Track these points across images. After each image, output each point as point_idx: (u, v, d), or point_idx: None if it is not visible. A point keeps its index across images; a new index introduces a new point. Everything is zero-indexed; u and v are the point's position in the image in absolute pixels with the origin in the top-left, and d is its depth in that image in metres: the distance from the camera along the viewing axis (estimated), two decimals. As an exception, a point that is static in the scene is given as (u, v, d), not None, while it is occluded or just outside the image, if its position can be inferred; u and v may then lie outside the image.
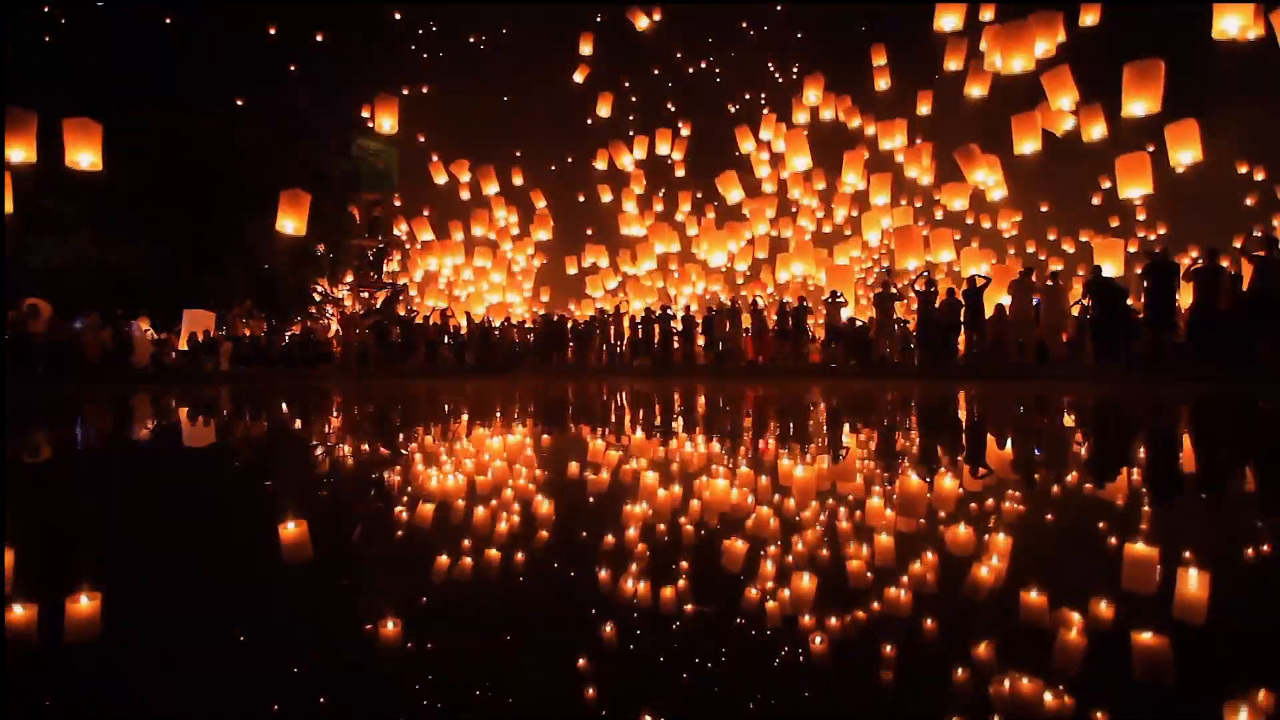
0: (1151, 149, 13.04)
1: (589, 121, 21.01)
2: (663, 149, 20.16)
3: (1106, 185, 22.05)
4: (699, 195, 22.03)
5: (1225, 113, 21.42)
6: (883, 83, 17.04)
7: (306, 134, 24.07)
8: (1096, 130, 13.01)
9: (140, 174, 19.80)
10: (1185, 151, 11.88)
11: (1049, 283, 13.21)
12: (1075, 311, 13.71)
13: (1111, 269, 14.09)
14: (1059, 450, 3.88)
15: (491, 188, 20.74)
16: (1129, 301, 12.29)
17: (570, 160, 24.35)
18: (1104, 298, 11.65)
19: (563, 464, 3.34)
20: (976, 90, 14.35)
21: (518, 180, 22.08)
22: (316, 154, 24.59)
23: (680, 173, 21.79)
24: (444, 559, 1.69)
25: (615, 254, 23.92)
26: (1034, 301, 12.82)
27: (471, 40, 26.02)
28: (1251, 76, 18.76)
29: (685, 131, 20.94)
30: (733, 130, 19.68)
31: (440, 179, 21.73)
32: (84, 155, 11.53)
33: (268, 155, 22.41)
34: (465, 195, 22.25)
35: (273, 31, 22.30)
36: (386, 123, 16.04)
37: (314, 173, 24.56)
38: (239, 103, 22.17)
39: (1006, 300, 13.29)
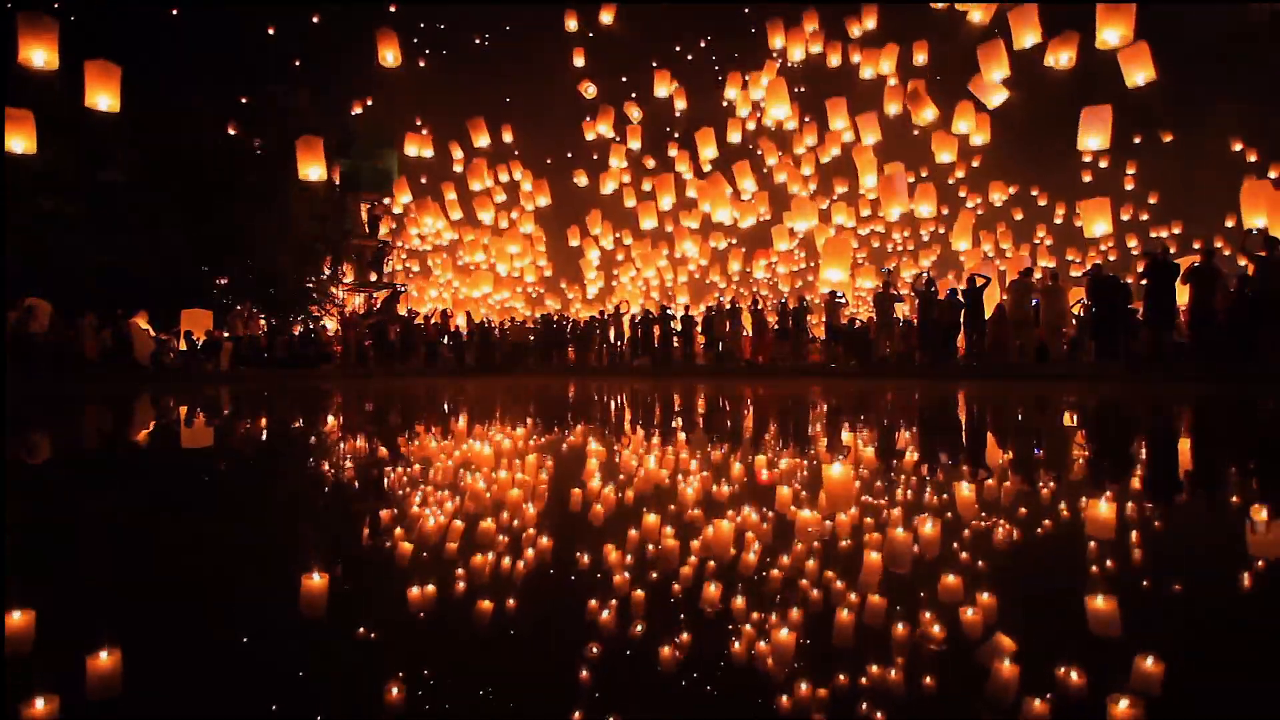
0: (1138, 140, 12.89)
1: (587, 122, 20.91)
2: (662, 91, 19.40)
3: (1089, 160, 22.26)
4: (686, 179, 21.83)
5: (1222, 97, 21.66)
6: (870, 22, 16.85)
7: (306, 134, 24.07)
8: (1065, 57, 12.91)
9: (140, 173, 19.80)
10: (1112, 31, 11.41)
11: (1048, 283, 13.22)
12: (1077, 311, 13.72)
13: (1102, 227, 14.19)
14: (1059, 452, 3.88)
15: (482, 139, 20.35)
16: (1131, 300, 12.29)
17: (570, 156, 24.33)
18: (1104, 295, 11.66)
19: (557, 468, 3.34)
20: (978, 15, 13.86)
21: (507, 137, 21.84)
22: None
23: (672, 161, 21.54)
24: (430, 572, 1.69)
25: (616, 226, 24.12)
26: (1033, 302, 12.83)
27: (477, 41, 26.09)
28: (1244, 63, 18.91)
29: (676, 85, 20.41)
30: (724, 106, 19.52)
31: (429, 151, 21.37)
32: (102, 98, 11.67)
33: (268, 155, 22.39)
34: (458, 169, 22.16)
35: (272, 31, 22.28)
36: (390, 55, 15.83)
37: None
38: (242, 101, 22.16)
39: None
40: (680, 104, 19.84)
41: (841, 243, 17.39)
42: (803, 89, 19.19)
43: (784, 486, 2.67)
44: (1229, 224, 19.95)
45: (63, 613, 1.44)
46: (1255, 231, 11.49)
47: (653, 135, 21.79)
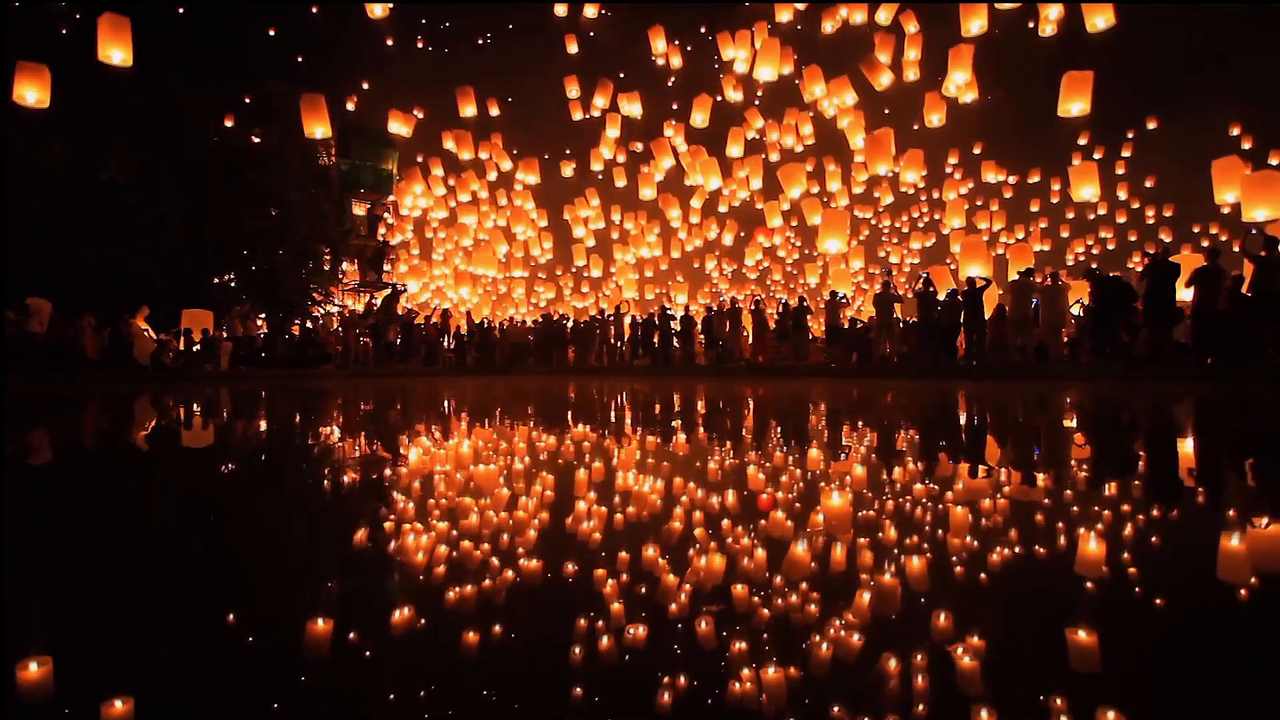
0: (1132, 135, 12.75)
1: (574, 101, 20.71)
2: (659, 45, 18.74)
3: (1084, 141, 22.25)
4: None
5: (1219, 86, 21.74)
6: None
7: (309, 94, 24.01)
8: (1053, 12, 13.04)
9: (140, 173, 19.81)
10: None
11: (1048, 283, 13.24)
12: (1077, 310, 13.72)
13: (1089, 192, 14.46)
14: (1058, 451, 3.88)
15: (469, 109, 20.06)
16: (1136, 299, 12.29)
17: (569, 153, 24.35)
18: (1106, 296, 11.67)
19: (555, 470, 3.34)
20: None
21: (494, 112, 21.69)
22: (316, 154, 24.59)
23: (671, 139, 21.43)
24: (420, 575, 1.69)
25: (611, 206, 24.16)
26: (1033, 302, 12.84)
27: (479, 42, 26.24)
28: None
29: (676, 57, 19.87)
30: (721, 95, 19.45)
31: (406, 130, 21.04)
32: (115, 51, 11.75)
33: (268, 155, 22.40)
34: (468, 158, 22.13)
35: (273, 32, 22.29)
36: (378, 9, 15.62)
37: (314, 172, 24.60)
38: (245, 101, 22.19)
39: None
40: (676, 61, 19.39)
41: (840, 216, 17.33)
42: (795, 56, 18.90)
43: (788, 490, 2.67)
44: (1224, 210, 20.12)
45: (59, 611, 1.44)
46: (1255, 231, 11.50)
47: (648, 111, 21.55)
